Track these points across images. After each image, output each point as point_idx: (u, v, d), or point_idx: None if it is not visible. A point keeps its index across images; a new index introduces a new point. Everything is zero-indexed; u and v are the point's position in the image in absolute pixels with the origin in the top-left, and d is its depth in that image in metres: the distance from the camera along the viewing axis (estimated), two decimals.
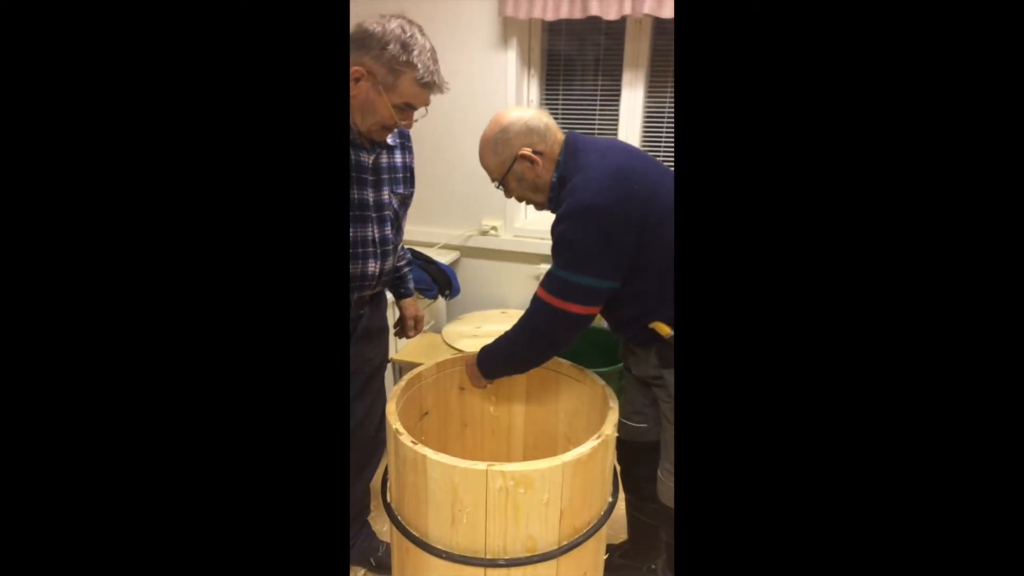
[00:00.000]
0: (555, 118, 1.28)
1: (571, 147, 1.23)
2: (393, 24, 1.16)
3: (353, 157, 1.27)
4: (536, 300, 1.20)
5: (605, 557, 1.33)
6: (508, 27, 2.22)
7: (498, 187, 1.30)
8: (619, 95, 2.30)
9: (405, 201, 1.44)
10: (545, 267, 1.24)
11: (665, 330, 1.22)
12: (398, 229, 1.43)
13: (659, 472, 1.37)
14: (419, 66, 1.16)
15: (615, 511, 1.20)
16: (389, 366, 1.97)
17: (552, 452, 1.20)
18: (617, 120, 2.32)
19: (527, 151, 1.21)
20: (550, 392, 1.44)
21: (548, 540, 1.06)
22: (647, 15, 1.95)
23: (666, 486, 1.35)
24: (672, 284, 1.19)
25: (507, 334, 1.27)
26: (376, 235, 1.34)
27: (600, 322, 1.35)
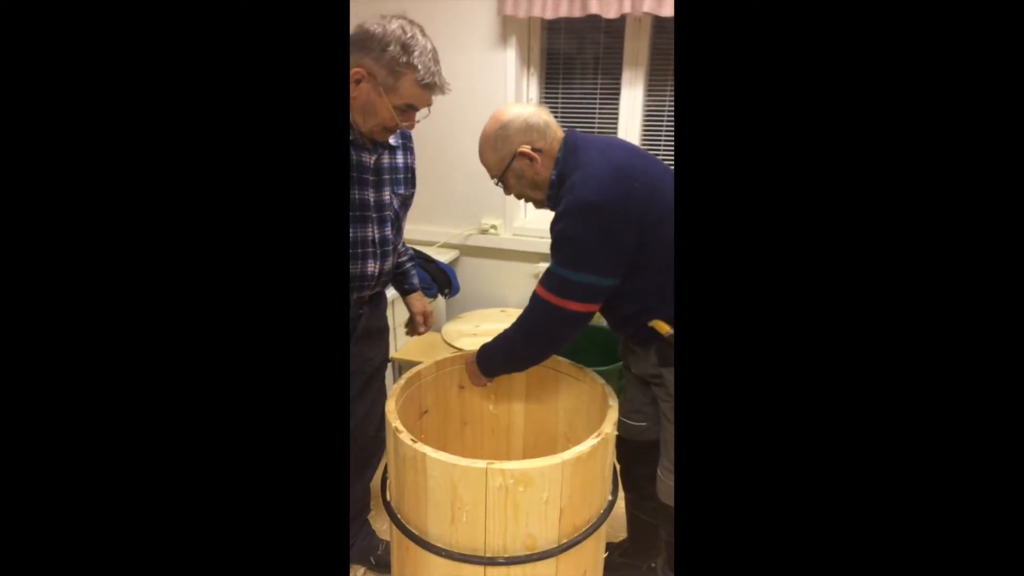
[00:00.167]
0: (555, 117, 1.27)
1: (570, 144, 1.22)
2: (394, 25, 1.15)
3: (354, 157, 1.27)
4: (535, 298, 1.20)
5: (605, 555, 1.33)
6: (507, 26, 2.22)
7: (497, 184, 1.30)
8: (619, 94, 2.30)
9: (406, 202, 1.44)
10: (545, 266, 1.25)
11: (664, 328, 1.22)
12: (398, 230, 1.43)
13: (659, 471, 1.37)
14: (419, 67, 1.16)
15: (615, 510, 1.21)
16: (389, 365, 1.97)
17: (552, 450, 1.20)
18: (617, 119, 2.32)
19: (526, 148, 1.21)
20: (550, 390, 1.44)
21: (548, 538, 1.06)
22: (647, 13, 1.95)
23: (666, 485, 1.35)
24: (672, 282, 1.19)
25: (506, 332, 1.27)
26: (376, 235, 1.34)
27: (600, 320, 1.35)
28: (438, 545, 1.07)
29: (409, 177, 1.43)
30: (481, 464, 1.00)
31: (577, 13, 2.03)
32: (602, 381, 1.30)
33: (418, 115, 1.25)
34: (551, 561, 1.08)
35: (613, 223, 1.12)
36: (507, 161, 1.24)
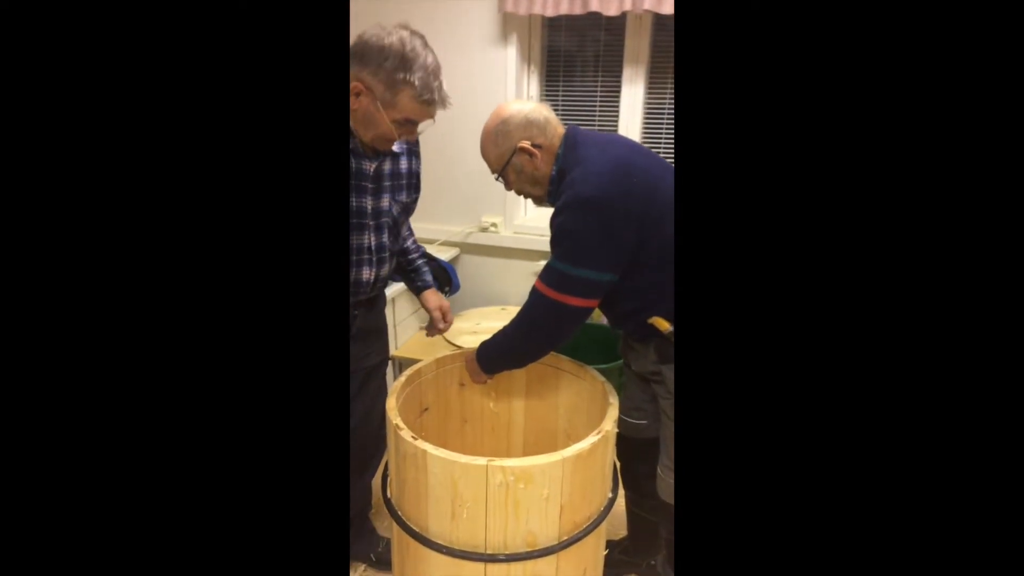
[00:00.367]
0: (555, 114, 1.27)
1: (571, 141, 1.22)
2: (394, 38, 1.12)
3: (354, 165, 1.25)
4: (534, 293, 1.20)
5: (605, 553, 1.33)
6: (508, 23, 2.22)
7: (498, 179, 1.30)
8: (619, 91, 2.29)
9: (408, 208, 1.41)
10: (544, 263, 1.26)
11: (664, 325, 1.22)
12: (396, 236, 1.40)
13: (658, 468, 1.37)
14: (418, 84, 1.13)
15: (615, 507, 1.21)
16: (389, 363, 1.96)
17: (552, 448, 1.21)
18: (617, 116, 2.32)
19: (526, 144, 1.21)
20: (550, 388, 1.44)
21: (548, 535, 1.07)
22: (647, 11, 1.95)
23: (665, 483, 1.35)
24: (671, 279, 1.19)
25: (506, 328, 1.27)
26: (372, 243, 1.33)
27: (600, 318, 1.35)
28: (439, 542, 1.08)
29: (413, 182, 1.41)
30: (482, 461, 1.00)
31: (578, 10, 2.03)
32: (602, 379, 1.30)
33: (421, 125, 1.23)
34: (551, 558, 1.08)
35: (613, 218, 1.12)
36: (507, 156, 1.24)
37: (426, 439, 1.06)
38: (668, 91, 2.25)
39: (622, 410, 1.42)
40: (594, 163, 1.16)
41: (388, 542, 1.69)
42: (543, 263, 1.21)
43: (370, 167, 1.28)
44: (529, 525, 1.04)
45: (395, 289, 2.06)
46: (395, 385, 1.26)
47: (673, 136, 2.23)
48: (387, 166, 1.33)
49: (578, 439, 1.08)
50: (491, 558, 1.06)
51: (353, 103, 1.17)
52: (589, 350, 1.90)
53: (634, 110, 2.29)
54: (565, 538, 1.08)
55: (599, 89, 2.34)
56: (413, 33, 1.15)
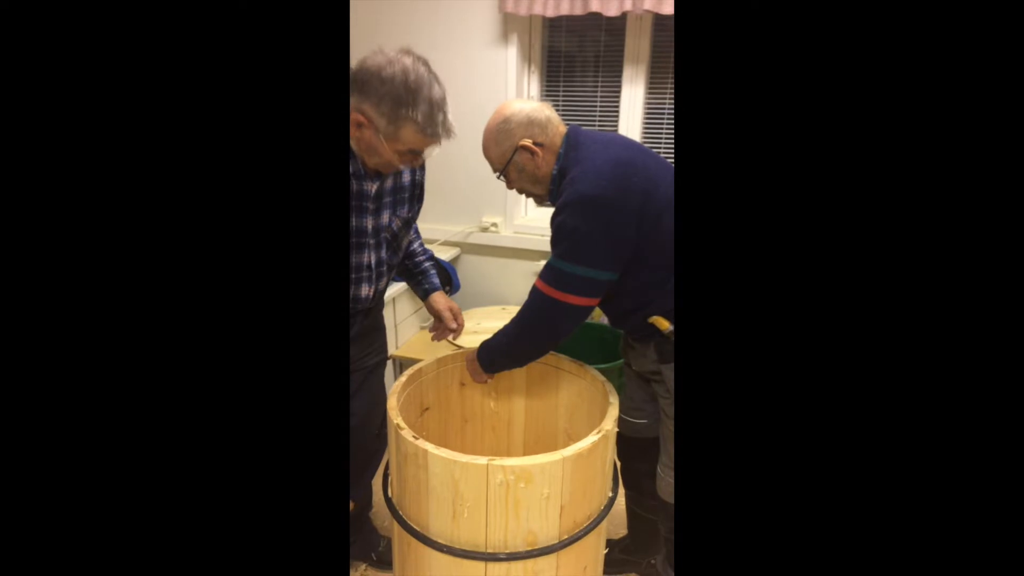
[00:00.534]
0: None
1: (572, 140, 1.23)
2: (396, 68, 1.08)
3: (355, 186, 1.23)
4: (534, 291, 1.20)
5: (605, 552, 1.33)
6: (508, 23, 2.22)
7: (499, 178, 1.30)
8: (619, 91, 2.30)
9: (409, 222, 1.40)
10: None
11: (664, 325, 1.22)
12: (396, 249, 1.39)
13: (658, 468, 1.37)
14: (421, 119, 1.10)
15: (615, 506, 1.21)
16: (389, 363, 1.97)
17: (552, 447, 1.21)
18: (618, 116, 2.32)
19: (528, 142, 1.22)
20: (550, 388, 1.44)
21: (548, 534, 1.07)
22: (647, 11, 1.95)
23: (665, 482, 1.35)
24: (671, 278, 1.20)
25: (506, 327, 1.27)
26: (372, 260, 1.32)
27: (601, 318, 1.35)
28: (439, 541, 1.08)
29: (416, 193, 1.39)
30: (482, 460, 1.00)
31: (578, 11, 2.03)
32: (602, 378, 1.30)
33: (426, 152, 1.20)
34: (551, 557, 1.08)
35: (613, 217, 1.13)
36: (509, 155, 1.24)
37: (427, 439, 1.06)
38: (668, 91, 2.26)
39: (622, 409, 1.43)
40: (594, 161, 1.16)
41: (388, 541, 1.69)
42: (543, 263, 1.21)
43: (372, 187, 1.26)
44: (529, 524, 1.05)
45: (395, 289, 2.06)
46: (396, 385, 1.27)
47: (673, 136, 2.23)
48: (389, 182, 1.31)
49: (578, 439, 1.08)
50: (491, 557, 1.06)
51: (355, 133, 1.14)
52: (589, 350, 1.90)
53: (634, 110, 2.29)
54: (565, 537, 1.09)
55: (599, 89, 2.35)
56: (417, 59, 1.11)
